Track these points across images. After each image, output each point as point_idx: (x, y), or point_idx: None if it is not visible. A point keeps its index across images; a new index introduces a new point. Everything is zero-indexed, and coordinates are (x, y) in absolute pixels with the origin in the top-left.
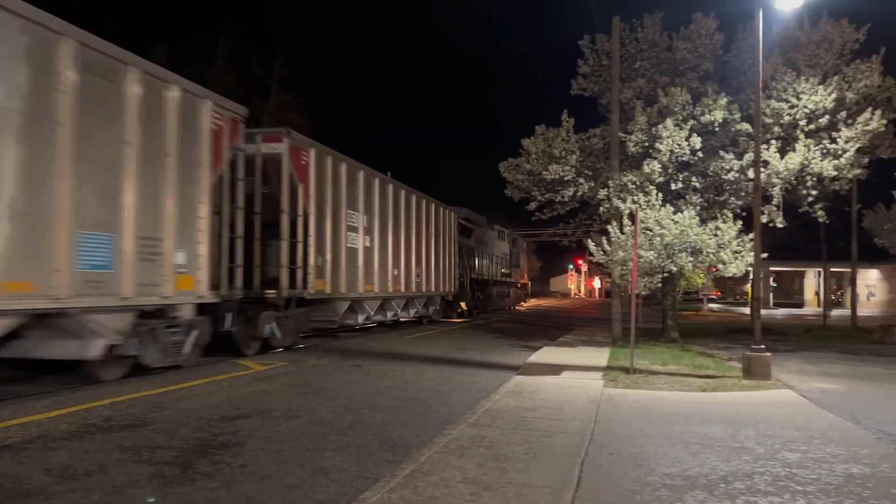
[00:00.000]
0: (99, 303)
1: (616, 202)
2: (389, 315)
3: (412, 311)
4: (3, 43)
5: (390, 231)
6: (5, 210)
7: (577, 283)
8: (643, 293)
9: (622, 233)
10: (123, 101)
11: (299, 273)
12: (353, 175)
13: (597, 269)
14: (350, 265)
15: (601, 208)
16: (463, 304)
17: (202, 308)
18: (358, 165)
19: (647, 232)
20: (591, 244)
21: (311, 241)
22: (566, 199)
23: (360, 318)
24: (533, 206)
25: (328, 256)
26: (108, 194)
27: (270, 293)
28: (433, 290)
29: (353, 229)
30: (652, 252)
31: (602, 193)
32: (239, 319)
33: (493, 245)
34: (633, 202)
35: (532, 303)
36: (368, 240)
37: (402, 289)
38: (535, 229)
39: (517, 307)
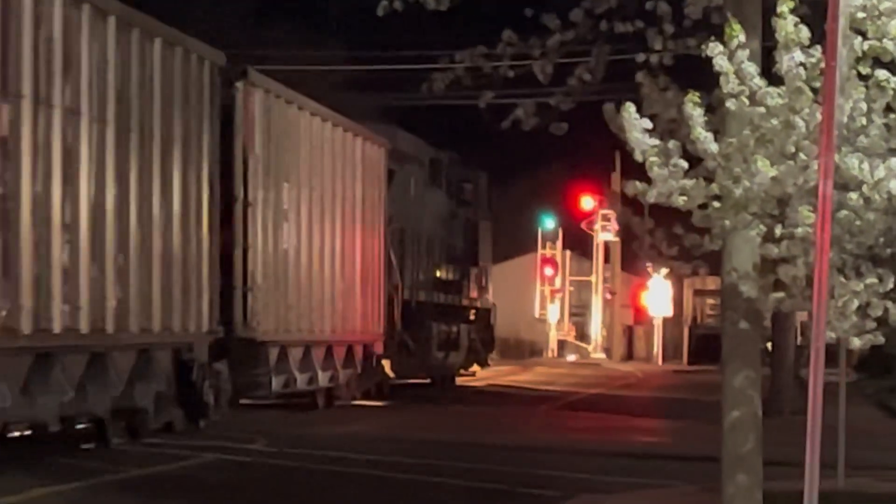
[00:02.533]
0: None
1: None
2: (302, 380)
3: (322, 375)
4: None
5: (312, 209)
6: None
7: (564, 300)
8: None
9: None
10: None
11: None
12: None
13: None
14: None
15: None
16: (386, 366)
17: None
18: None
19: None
20: (635, 135)
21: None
22: None
23: (277, 384)
24: None
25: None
26: None
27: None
28: (356, 330)
29: (284, 215)
30: None
31: None
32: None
33: (428, 213)
34: None
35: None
36: (293, 232)
37: (328, 327)
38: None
39: (463, 374)
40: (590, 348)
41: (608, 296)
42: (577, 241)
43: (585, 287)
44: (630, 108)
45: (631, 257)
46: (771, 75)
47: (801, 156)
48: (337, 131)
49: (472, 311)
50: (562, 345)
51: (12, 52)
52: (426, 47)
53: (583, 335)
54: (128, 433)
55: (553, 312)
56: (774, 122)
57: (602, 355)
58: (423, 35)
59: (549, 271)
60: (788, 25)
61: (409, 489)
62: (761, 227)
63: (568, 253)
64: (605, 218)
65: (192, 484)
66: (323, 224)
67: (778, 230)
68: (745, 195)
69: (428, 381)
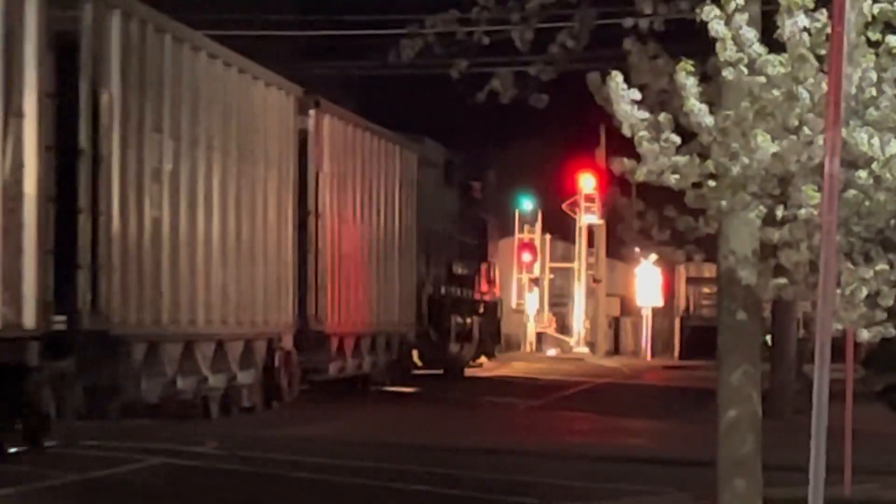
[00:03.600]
0: None
1: None
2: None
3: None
4: None
5: (364, 215)
6: None
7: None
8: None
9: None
10: None
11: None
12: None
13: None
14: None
15: None
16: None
17: None
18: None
19: None
20: (623, 107)
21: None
22: None
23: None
24: None
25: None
26: None
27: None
28: (395, 322)
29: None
30: None
31: None
32: None
33: (443, 211)
34: None
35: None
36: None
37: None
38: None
39: (473, 365)
40: (572, 341)
41: (592, 284)
42: (558, 224)
43: (567, 275)
44: (617, 78)
45: (617, 242)
46: (772, 42)
47: (805, 130)
48: (386, 144)
49: (482, 305)
50: (540, 338)
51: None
52: (394, 11)
53: (564, 327)
54: None
55: (531, 302)
56: (776, 92)
57: (585, 349)
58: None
59: (527, 257)
60: None
61: (368, 497)
62: (761, 208)
63: (548, 237)
64: (589, 199)
65: (133, 490)
66: (371, 227)
67: (779, 212)
68: (743, 173)
69: (441, 371)
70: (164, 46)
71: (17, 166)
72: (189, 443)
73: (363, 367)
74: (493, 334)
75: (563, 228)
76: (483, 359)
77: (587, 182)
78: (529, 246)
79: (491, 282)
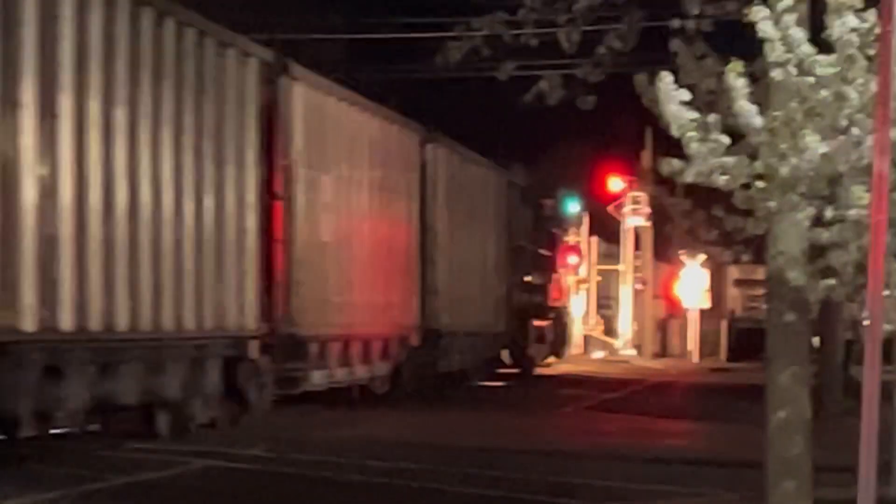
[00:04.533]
0: None
1: None
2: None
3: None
4: None
5: (472, 235)
6: None
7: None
8: None
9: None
10: None
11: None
12: None
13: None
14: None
15: None
16: (504, 355)
17: None
18: None
19: None
20: (671, 108)
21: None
22: None
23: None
24: None
25: None
26: None
27: None
28: (495, 324)
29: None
30: None
31: None
32: None
33: (523, 228)
34: None
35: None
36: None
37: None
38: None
39: (542, 365)
40: (618, 344)
41: (639, 286)
42: (604, 227)
43: (613, 277)
44: (666, 79)
45: (664, 244)
46: (820, 42)
47: (854, 130)
48: (484, 171)
49: (553, 311)
50: (587, 340)
51: None
52: (440, 14)
53: (610, 330)
54: None
55: (578, 305)
56: (824, 93)
57: (632, 351)
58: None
59: (573, 260)
60: None
61: (417, 499)
62: (810, 209)
63: (594, 239)
64: (636, 201)
65: (182, 493)
66: (482, 245)
67: (828, 212)
68: (792, 174)
69: (518, 370)
70: (329, 104)
71: (243, 207)
72: (239, 445)
73: (465, 364)
74: (562, 337)
75: (608, 230)
76: (552, 359)
77: (633, 184)
78: (575, 248)
79: (560, 290)
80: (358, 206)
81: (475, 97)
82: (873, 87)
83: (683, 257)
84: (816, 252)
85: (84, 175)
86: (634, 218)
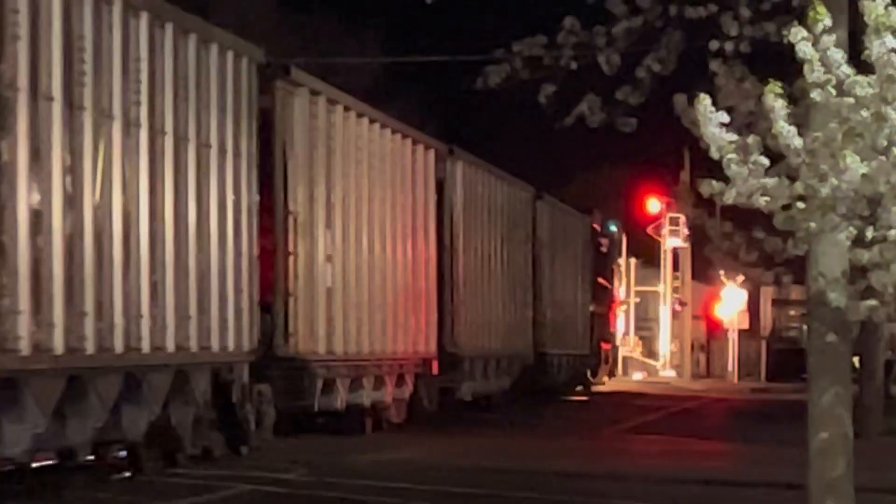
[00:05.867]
0: None
1: None
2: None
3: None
4: None
5: (567, 275)
6: None
7: None
8: None
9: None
10: None
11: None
12: None
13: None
14: None
15: None
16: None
17: None
18: None
19: None
20: (710, 130)
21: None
22: None
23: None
24: None
25: None
26: None
27: None
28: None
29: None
30: None
31: None
32: None
33: (590, 266)
34: None
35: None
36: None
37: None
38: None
39: (597, 383)
40: (658, 365)
41: (678, 307)
42: (643, 248)
43: (652, 298)
44: (705, 101)
45: (702, 265)
46: (860, 63)
47: (895, 151)
48: (576, 218)
49: (611, 335)
50: (626, 362)
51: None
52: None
53: (650, 351)
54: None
55: (617, 326)
56: (864, 113)
57: (671, 373)
58: (476, 24)
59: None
60: (878, 7)
61: None
62: (851, 229)
63: (633, 261)
64: (674, 222)
65: None
66: (574, 286)
67: (869, 233)
68: (832, 194)
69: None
70: (336, 115)
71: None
72: (278, 470)
73: (563, 380)
74: (615, 359)
75: (648, 251)
76: (606, 378)
77: (671, 205)
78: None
79: (616, 317)
80: (365, 226)
81: (517, 120)
82: None
83: (722, 278)
84: (857, 272)
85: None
86: (673, 239)
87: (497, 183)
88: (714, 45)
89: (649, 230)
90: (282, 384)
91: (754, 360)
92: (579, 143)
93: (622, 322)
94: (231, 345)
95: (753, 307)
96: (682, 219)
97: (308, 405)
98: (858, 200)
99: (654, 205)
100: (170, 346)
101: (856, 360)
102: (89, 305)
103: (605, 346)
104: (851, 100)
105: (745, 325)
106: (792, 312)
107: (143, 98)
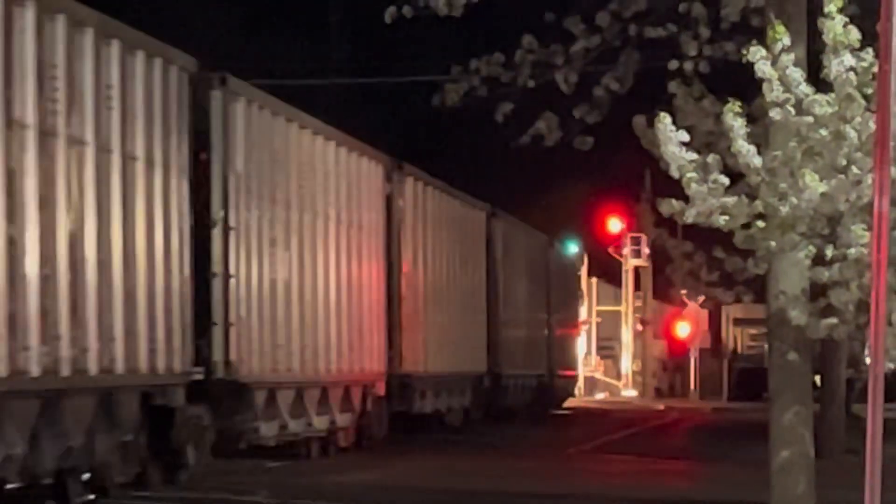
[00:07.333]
0: None
1: None
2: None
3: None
4: None
5: (530, 298)
6: None
7: None
8: None
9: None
10: None
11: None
12: None
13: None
14: None
15: None
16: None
17: None
18: None
19: None
20: (670, 149)
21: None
22: None
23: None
24: None
25: None
26: None
27: None
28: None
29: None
30: None
31: None
32: None
33: (557, 280)
34: None
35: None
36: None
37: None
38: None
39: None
40: (620, 385)
41: (639, 327)
42: (605, 268)
43: (614, 318)
44: (665, 120)
45: (663, 284)
46: (818, 81)
47: (854, 169)
48: (534, 237)
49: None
50: (588, 381)
51: None
52: (437, 57)
53: (611, 370)
54: None
55: (579, 346)
56: (823, 132)
57: (633, 392)
58: (434, 44)
59: (583, 308)
60: (837, 26)
61: None
62: (811, 248)
63: (594, 281)
64: (635, 241)
65: None
66: (532, 306)
67: (829, 251)
68: (792, 213)
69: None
70: (278, 127)
71: (171, 245)
72: (242, 492)
73: (525, 401)
74: (575, 380)
75: (609, 271)
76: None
77: (632, 225)
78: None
79: (578, 337)
80: (308, 241)
81: (473, 139)
82: (872, 125)
83: (684, 297)
84: (817, 291)
85: None
86: (634, 259)
87: (449, 200)
88: (673, 64)
89: (610, 250)
90: (221, 407)
91: (716, 379)
92: (539, 163)
93: (584, 342)
94: (161, 367)
95: (715, 326)
96: (644, 238)
97: (250, 428)
98: (818, 219)
99: (615, 224)
100: (93, 368)
101: (817, 378)
102: (1, 326)
103: (568, 372)
104: (810, 119)
105: (707, 345)
106: (753, 331)
107: (61, 107)
